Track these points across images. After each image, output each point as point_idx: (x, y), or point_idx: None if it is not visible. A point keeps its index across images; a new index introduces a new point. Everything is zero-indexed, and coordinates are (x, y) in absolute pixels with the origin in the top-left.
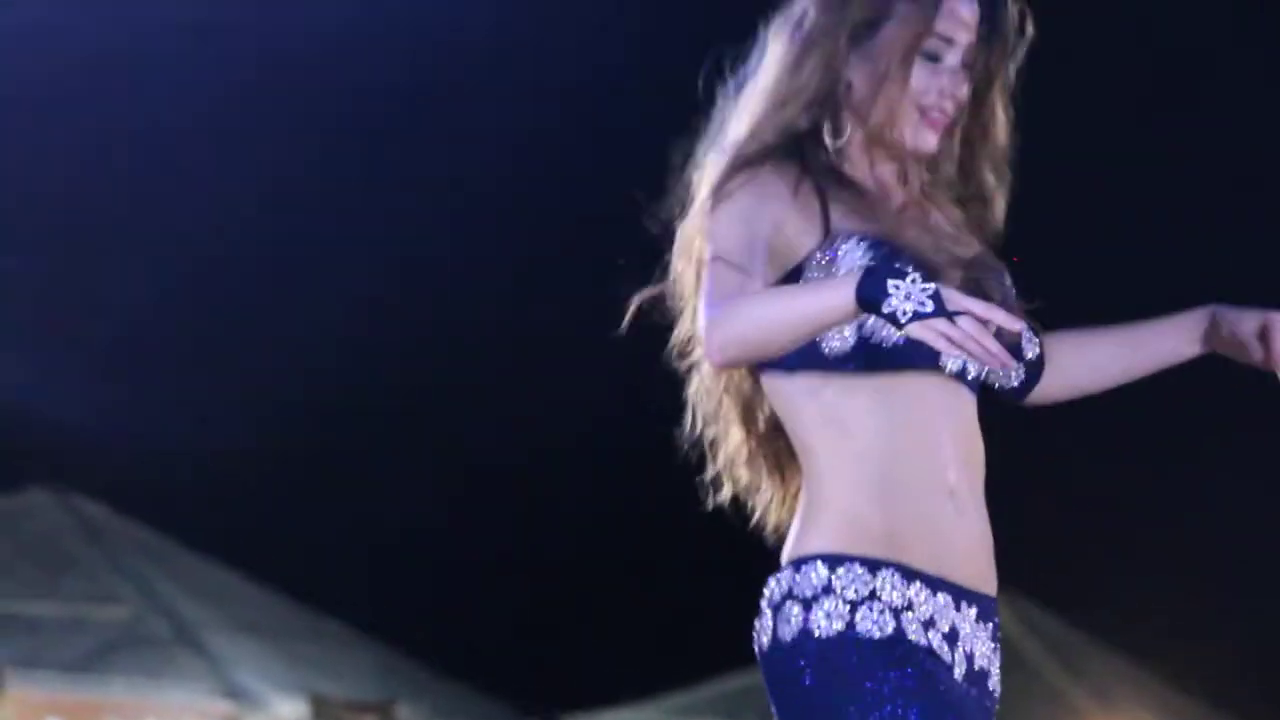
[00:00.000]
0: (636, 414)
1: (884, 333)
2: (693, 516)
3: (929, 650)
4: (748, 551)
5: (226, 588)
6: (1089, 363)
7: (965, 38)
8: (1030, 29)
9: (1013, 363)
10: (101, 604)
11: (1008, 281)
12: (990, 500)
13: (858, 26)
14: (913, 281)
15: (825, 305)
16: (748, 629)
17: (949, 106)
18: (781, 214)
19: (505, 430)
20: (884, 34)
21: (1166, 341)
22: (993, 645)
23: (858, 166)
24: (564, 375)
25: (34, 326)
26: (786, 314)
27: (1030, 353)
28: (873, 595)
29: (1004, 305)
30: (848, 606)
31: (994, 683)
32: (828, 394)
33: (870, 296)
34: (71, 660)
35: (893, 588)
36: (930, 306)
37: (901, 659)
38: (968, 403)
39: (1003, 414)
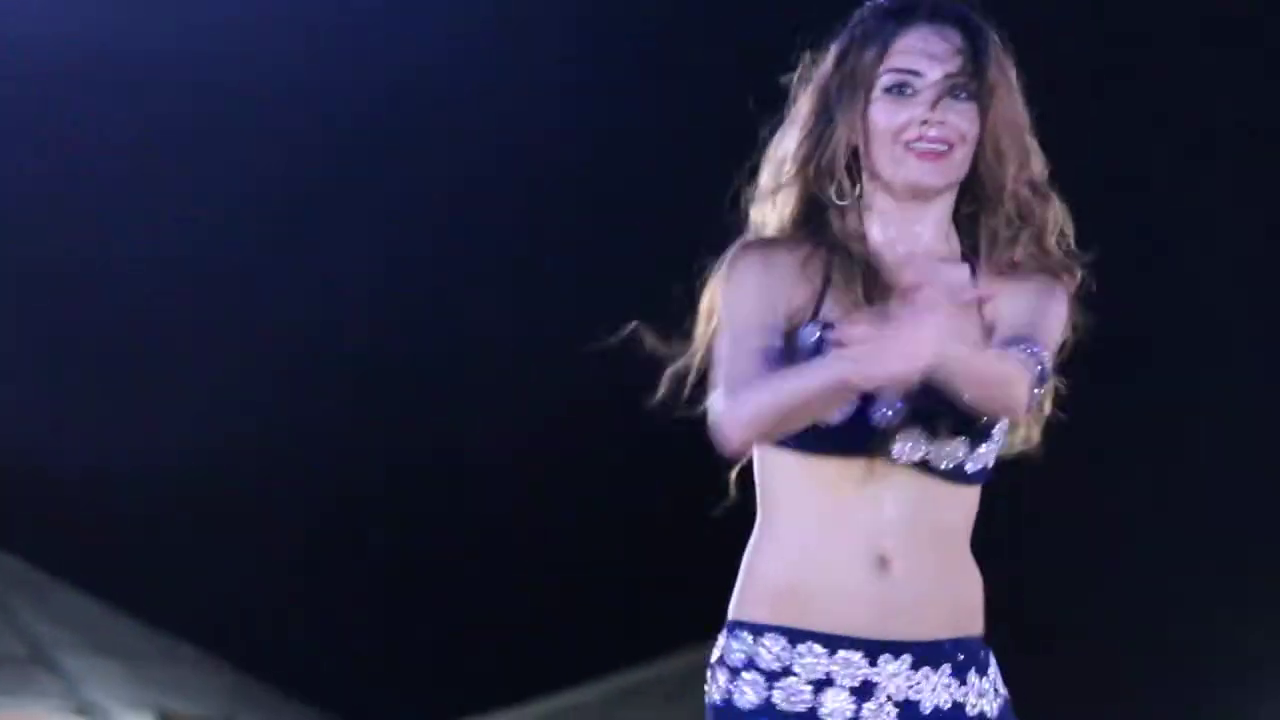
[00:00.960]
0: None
1: (829, 422)
2: (522, 537)
3: (800, 714)
4: (578, 575)
5: (82, 612)
6: None
7: (934, 67)
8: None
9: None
10: None
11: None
12: None
13: (840, 89)
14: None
15: (834, 377)
16: (572, 650)
17: (941, 133)
18: (787, 288)
19: (347, 463)
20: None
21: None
22: (954, 682)
23: (876, 223)
24: (416, 412)
25: None
26: (802, 394)
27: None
28: (750, 662)
29: (955, 401)
30: (726, 674)
31: (971, 709)
32: (791, 472)
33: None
34: None
35: (769, 653)
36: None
37: None
38: (927, 486)
39: None
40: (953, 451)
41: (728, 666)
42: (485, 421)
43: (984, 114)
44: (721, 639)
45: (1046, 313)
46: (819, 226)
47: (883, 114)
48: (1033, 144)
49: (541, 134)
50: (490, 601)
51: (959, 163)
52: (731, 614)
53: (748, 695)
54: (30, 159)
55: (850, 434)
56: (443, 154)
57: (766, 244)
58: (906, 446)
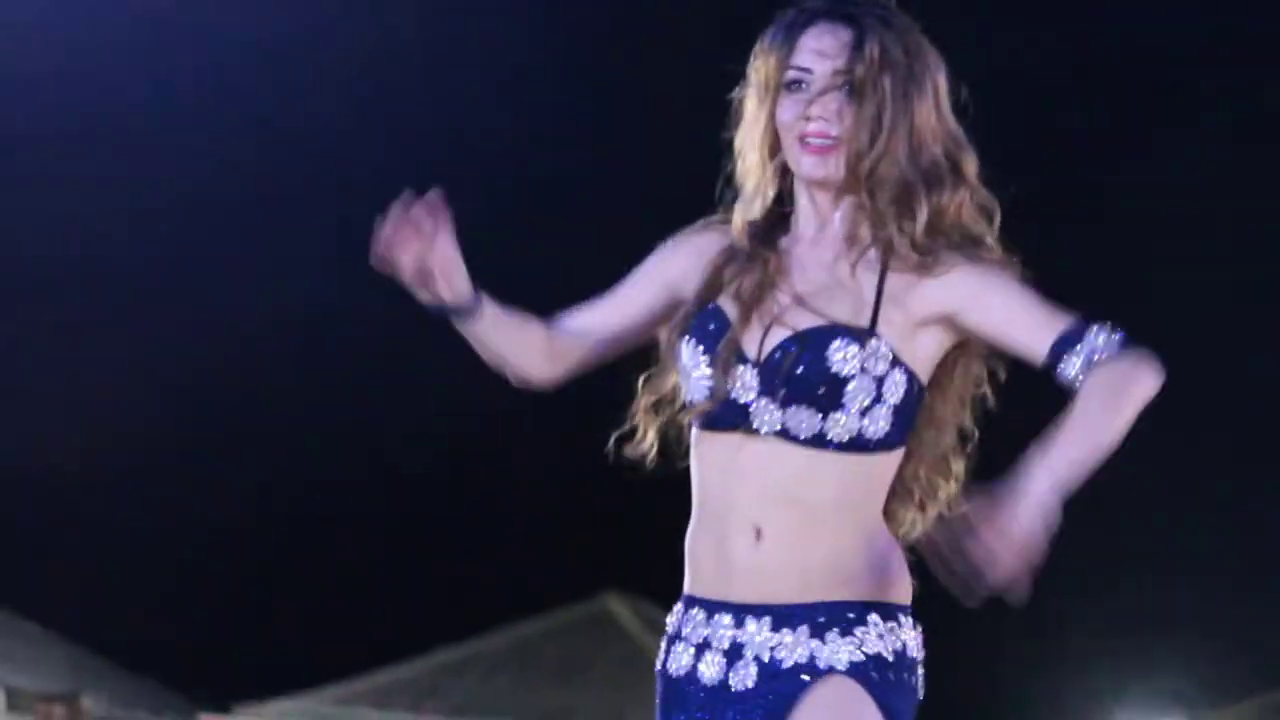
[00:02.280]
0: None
1: (693, 396)
2: (351, 514)
3: (682, 676)
4: (407, 549)
5: None
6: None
7: (824, 64)
8: (904, 41)
9: None
10: None
11: (827, 346)
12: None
13: (759, 90)
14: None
15: None
16: (405, 625)
17: (820, 128)
18: (683, 270)
19: (185, 449)
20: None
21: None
22: (812, 639)
23: (801, 214)
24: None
25: None
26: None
27: (1068, 378)
28: (669, 627)
29: (801, 374)
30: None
31: (823, 660)
32: (695, 449)
33: None
34: None
35: (674, 617)
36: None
37: (661, 688)
38: (798, 455)
39: None
40: (807, 421)
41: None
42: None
43: (863, 105)
44: None
45: (1013, 286)
46: (769, 220)
47: (781, 110)
48: (933, 133)
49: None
50: (320, 581)
51: (850, 155)
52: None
53: (659, 659)
54: None
55: (716, 409)
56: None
57: (700, 229)
58: (762, 419)
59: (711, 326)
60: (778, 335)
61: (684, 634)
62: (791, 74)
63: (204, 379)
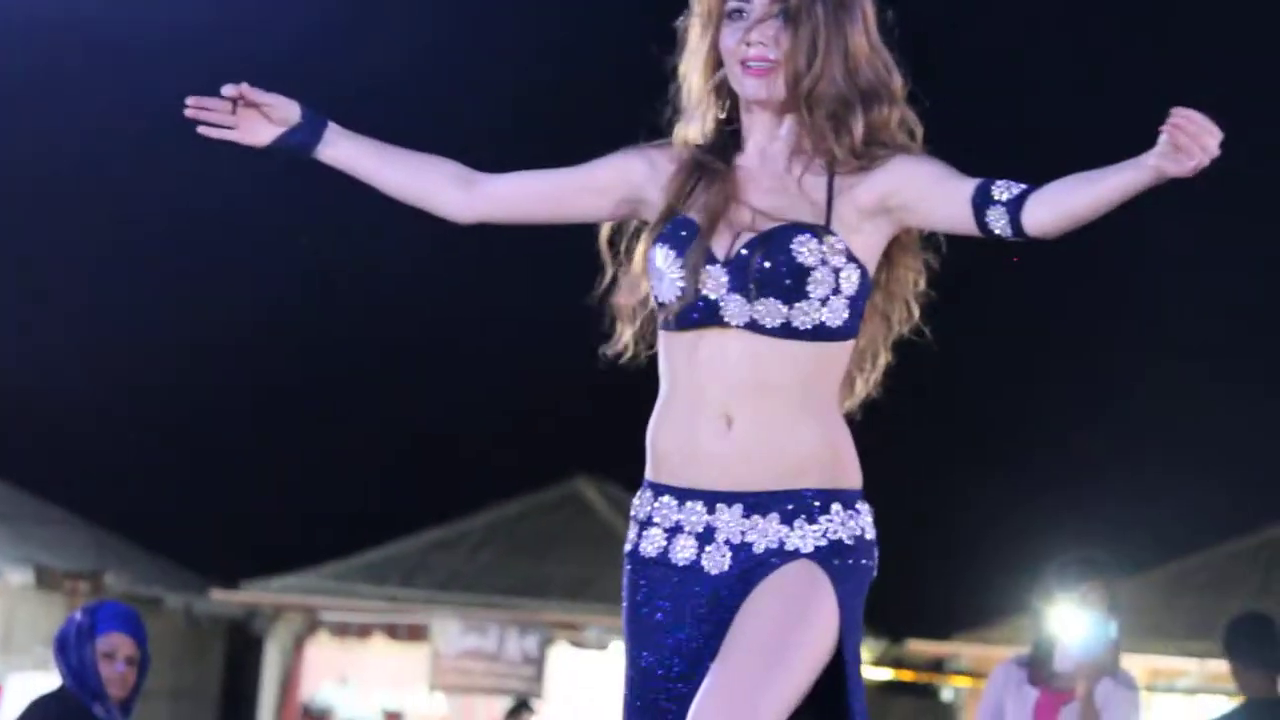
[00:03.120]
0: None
1: (665, 297)
2: (352, 397)
3: (654, 559)
4: (398, 440)
5: None
6: (1067, 192)
7: None
8: None
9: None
10: None
11: (790, 242)
12: None
13: (702, 18)
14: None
15: None
16: (396, 508)
17: (759, 52)
18: (643, 174)
19: (188, 324)
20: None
21: (1125, 171)
22: (782, 525)
23: (748, 133)
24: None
25: None
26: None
27: (1005, 194)
28: (632, 514)
29: (770, 268)
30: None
31: (790, 545)
32: (665, 346)
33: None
34: None
35: (642, 503)
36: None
37: (631, 569)
38: (764, 344)
39: None
40: (774, 311)
41: (631, 514)
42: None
43: (798, 31)
44: None
45: (934, 162)
46: (720, 139)
47: (723, 37)
48: (865, 55)
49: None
50: (318, 470)
51: (784, 76)
52: (646, 474)
53: (630, 543)
54: None
55: (687, 309)
56: None
57: (654, 145)
58: (732, 313)
59: (682, 234)
60: (744, 237)
61: (654, 519)
62: (732, 4)
63: (216, 271)
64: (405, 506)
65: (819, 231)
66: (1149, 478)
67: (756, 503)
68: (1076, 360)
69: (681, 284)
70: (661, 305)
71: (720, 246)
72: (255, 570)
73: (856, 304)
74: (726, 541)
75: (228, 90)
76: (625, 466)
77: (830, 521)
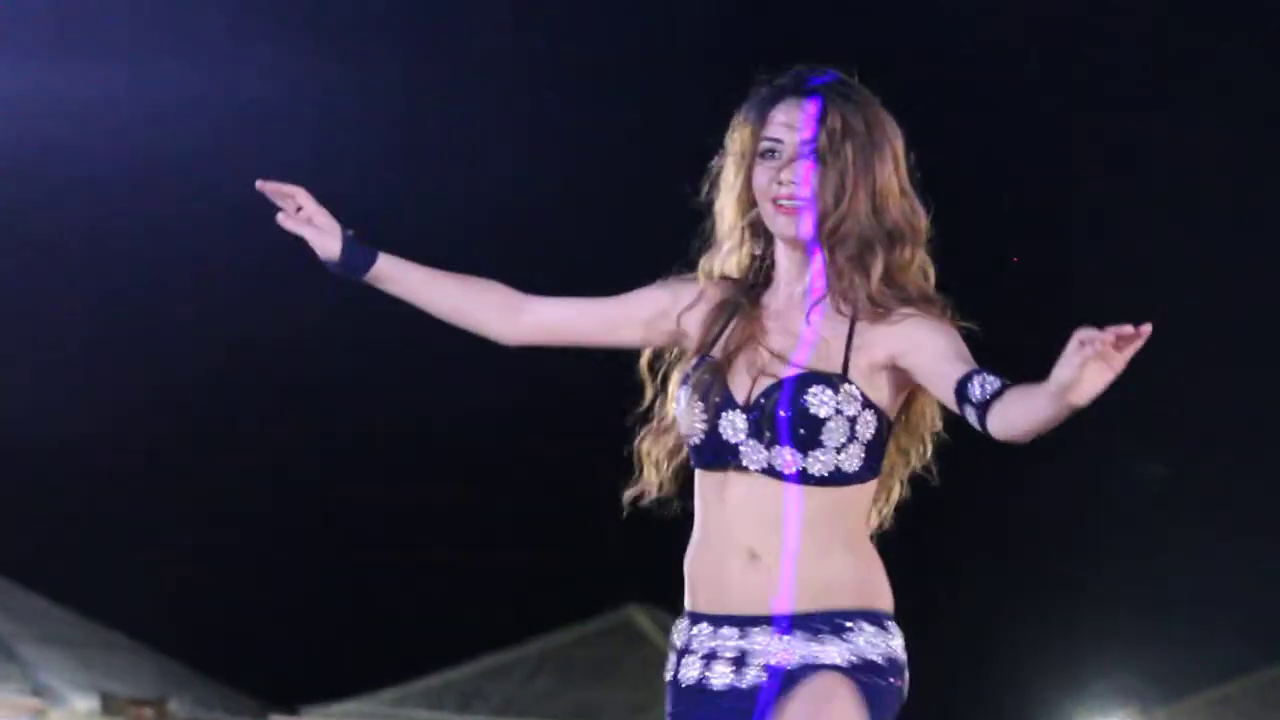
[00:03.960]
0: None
1: (689, 439)
2: (404, 535)
3: (693, 685)
4: (457, 565)
5: (34, 608)
6: (1016, 408)
7: (791, 135)
8: (863, 112)
9: None
10: None
11: (805, 391)
12: None
13: (735, 157)
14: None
15: None
16: (453, 633)
17: (790, 191)
18: (682, 304)
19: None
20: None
21: (1045, 393)
22: (811, 642)
23: (786, 275)
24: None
25: None
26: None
27: (978, 392)
28: (671, 642)
29: (788, 417)
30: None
31: (823, 659)
32: (697, 483)
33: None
34: None
35: (680, 632)
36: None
37: (672, 696)
38: (787, 491)
39: None
40: (790, 459)
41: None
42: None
43: (827, 170)
44: None
45: (946, 333)
46: (751, 274)
47: (756, 176)
48: (893, 195)
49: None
50: (377, 595)
51: (819, 215)
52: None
53: (670, 670)
54: None
55: (710, 450)
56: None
57: (684, 279)
58: (751, 457)
59: (706, 376)
60: (763, 383)
61: (691, 647)
62: (765, 144)
63: (279, 401)
64: (462, 632)
65: (835, 381)
66: (1188, 601)
67: (785, 623)
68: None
69: (703, 427)
70: (688, 444)
71: (741, 390)
72: (314, 696)
73: (874, 448)
74: (761, 663)
75: (278, 190)
76: (677, 595)
77: (858, 639)
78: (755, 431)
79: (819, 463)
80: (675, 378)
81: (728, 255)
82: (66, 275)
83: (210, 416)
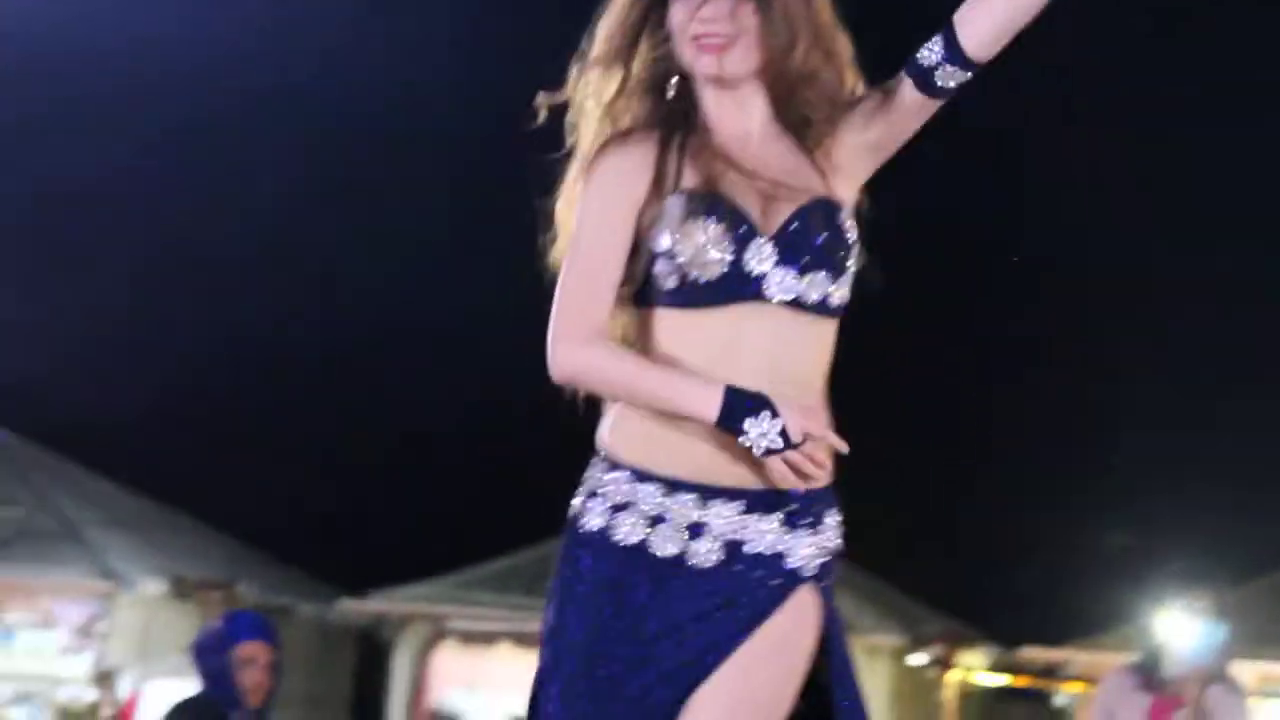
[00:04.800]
0: (439, 318)
1: (697, 273)
2: (477, 411)
3: (631, 546)
4: (519, 452)
5: (104, 492)
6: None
7: None
8: None
9: (824, 475)
10: (1, 505)
11: (835, 217)
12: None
13: None
14: (764, 419)
15: (686, 409)
16: (518, 518)
17: (712, 28)
18: (640, 190)
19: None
20: None
21: None
22: (781, 528)
23: (709, 110)
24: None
25: None
26: (648, 396)
27: (932, 53)
28: (594, 492)
29: (824, 242)
30: (581, 498)
31: (791, 561)
32: (668, 327)
33: (729, 427)
34: None
35: (612, 484)
36: (779, 443)
37: (594, 550)
38: (796, 323)
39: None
40: (820, 286)
41: (585, 492)
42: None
43: (762, 9)
44: (589, 470)
45: (868, 95)
46: (668, 113)
47: (675, 13)
48: (826, 29)
49: None
50: (445, 482)
51: (739, 54)
52: (598, 448)
53: (593, 521)
54: None
55: (728, 283)
56: None
57: (621, 141)
58: (777, 288)
59: (723, 207)
60: (783, 209)
61: (633, 505)
62: None
63: (340, 316)
64: (527, 517)
65: (841, 206)
66: (1258, 486)
67: (759, 500)
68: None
69: (726, 256)
70: (685, 283)
71: (761, 218)
72: (383, 580)
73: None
74: (720, 540)
75: None
76: None
77: (829, 528)
78: (788, 258)
79: (838, 292)
80: (656, 217)
81: (631, 99)
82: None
83: (281, 314)
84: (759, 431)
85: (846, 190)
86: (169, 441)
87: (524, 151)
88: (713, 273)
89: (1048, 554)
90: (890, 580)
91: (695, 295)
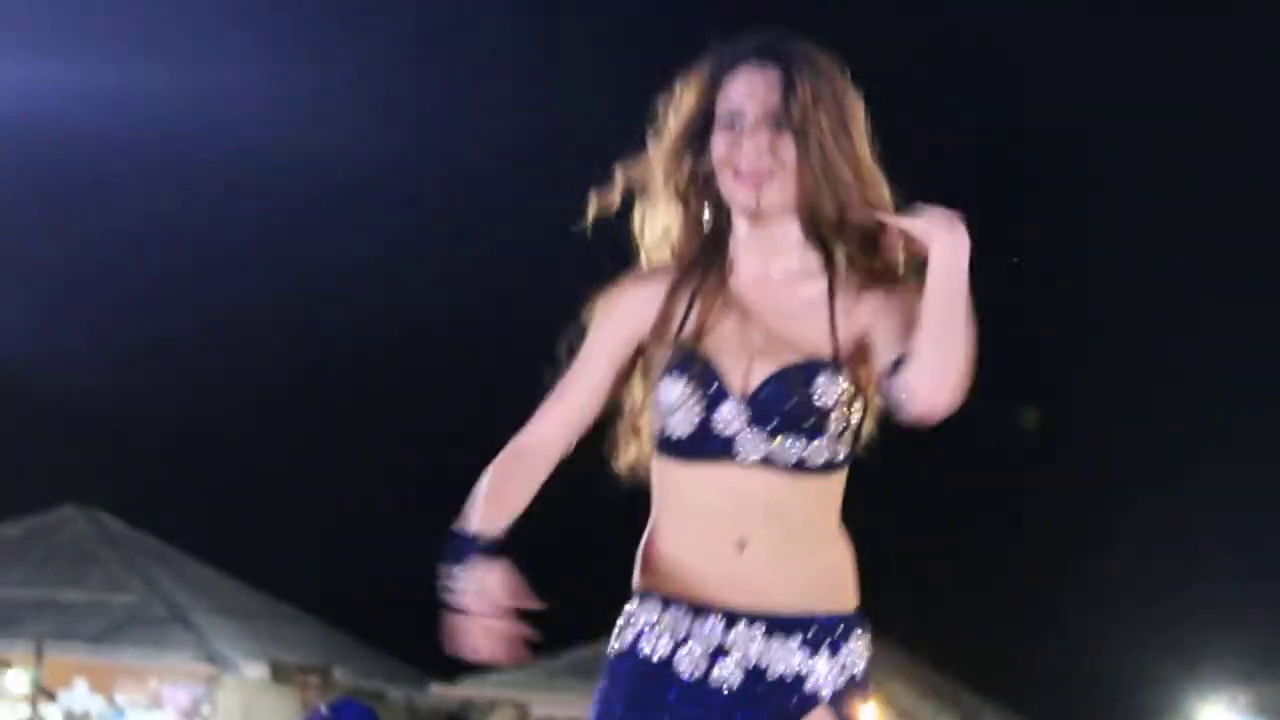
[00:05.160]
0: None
1: (677, 431)
2: (571, 502)
3: (661, 661)
4: (608, 539)
5: (209, 579)
6: (915, 359)
7: (754, 105)
8: (832, 75)
9: (491, 652)
10: (116, 592)
11: (813, 380)
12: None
13: (691, 122)
14: (463, 572)
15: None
16: (604, 606)
17: (749, 164)
18: (634, 330)
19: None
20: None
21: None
22: (801, 650)
23: (739, 245)
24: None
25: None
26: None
27: (894, 395)
28: (630, 620)
29: (791, 407)
30: (619, 627)
31: (812, 683)
32: (667, 472)
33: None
34: (93, 634)
35: (643, 611)
36: (455, 600)
37: (629, 665)
38: (778, 480)
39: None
40: (791, 449)
41: (621, 620)
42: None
43: (800, 144)
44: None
45: (902, 313)
46: (699, 250)
47: (716, 146)
48: (865, 166)
49: None
50: (531, 567)
51: (779, 188)
52: (636, 583)
53: (626, 642)
54: None
55: (698, 443)
56: None
57: (637, 278)
58: (747, 449)
59: (695, 368)
60: (762, 370)
61: (659, 625)
62: (728, 115)
63: (447, 380)
64: (615, 605)
65: (835, 369)
66: None
67: (780, 623)
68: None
69: (695, 419)
70: (668, 437)
71: (734, 378)
72: (472, 665)
73: (858, 433)
74: (742, 662)
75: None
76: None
77: (852, 651)
78: (756, 421)
79: (817, 453)
80: (647, 370)
81: (669, 234)
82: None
83: (374, 396)
84: (456, 582)
85: (856, 352)
86: (270, 531)
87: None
88: (683, 431)
89: (1090, 647)
90: (947, 670)
91: (674, 448)
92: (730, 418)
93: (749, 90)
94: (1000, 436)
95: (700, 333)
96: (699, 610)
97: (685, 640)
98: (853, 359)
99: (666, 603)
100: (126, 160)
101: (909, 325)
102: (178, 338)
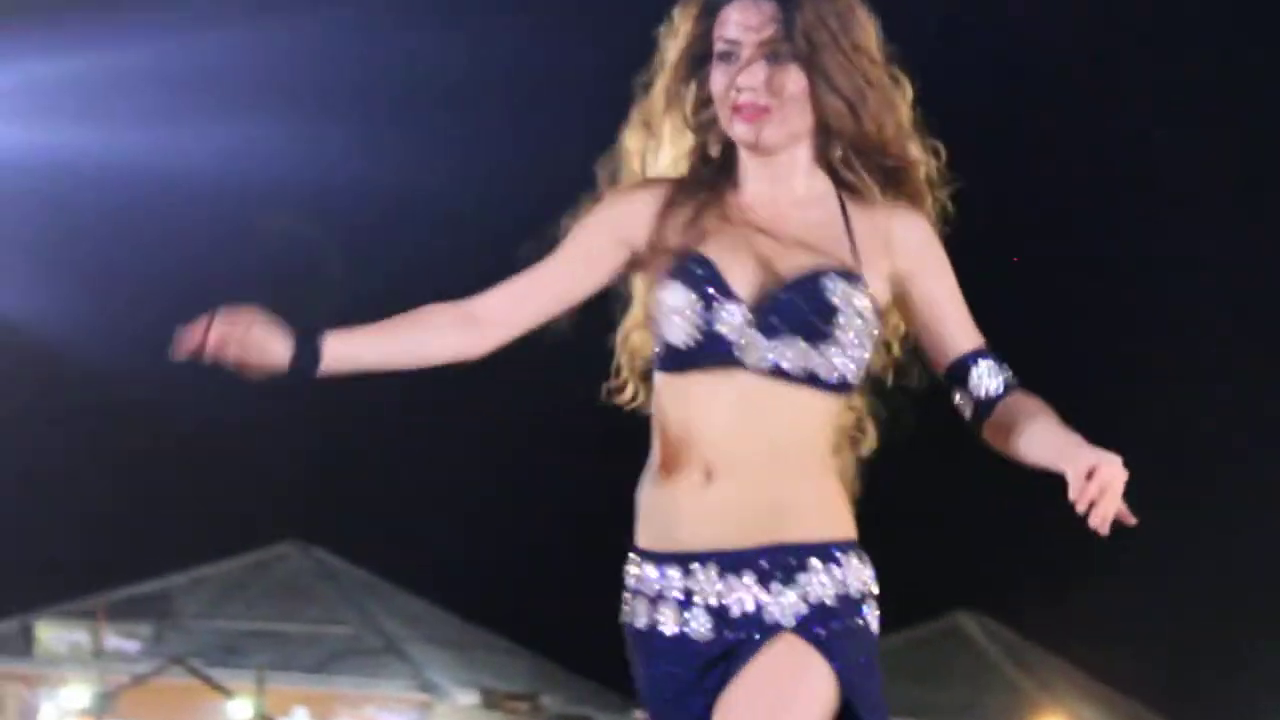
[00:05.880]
0: None
1: (675, 337)
2: None
3: (644, 630)
4: None
5: (421, 611)
6: (1011, 434)
7: (749, 35)
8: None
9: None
10: (332, 625)
11: (832, 287)
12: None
13: (687, 54)
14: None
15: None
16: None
17: (751, 96)
18: (628, 233)
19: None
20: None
21: (1049, 451)
22: (758, 588)
23: (745, 172)
24: None
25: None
26: None
27: (981, 390)
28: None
29: (809, 311)
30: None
31: (773, 614)
32: (661, 392)
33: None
34: (312, 664)
35: (631, 575)
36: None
37: (649, 646)
38: (776, 389)
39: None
40: (800, 356)
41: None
42: None
43: (809, 71)
44: None
45: (951, 277)
46: (700, 172)
47: (713, 79)
48: (880, 88)
49: None
50: None
51: (780, 120)
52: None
53: (624, 615)
54: None
55: (700, 350)
56: None
57: (635, 185)
58: (755, 354)
59: (698, 270)
60: (772, 275)
61: (639, 590)
62: (723, 45)
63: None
64: None
65: (850, 275)
66: None
67: (731, 562)
68: None
69: (699, 321)
70: (668, 347)
71: (742, 284)
72: None
73: (867, 356)
74: (704, 605)
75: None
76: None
77: (809, 580)
78: (761, 325)
79: (829, 364)
80: (648, 278)
81: (669, 160)
82: None
83: (581, 431)
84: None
85: (877, 272)
86: (481, 563)
87: None
88: (685, 337)
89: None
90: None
91: (674, 359)
92: (737, 322)
93: (744, 21)
94: None
95: (704, 239)
96: (659, 561)
97: (660, 599)
98: (875, 279)
99: (643, 559)
100: (348, 218)
101: (953, 303)
102: (394, 383)
